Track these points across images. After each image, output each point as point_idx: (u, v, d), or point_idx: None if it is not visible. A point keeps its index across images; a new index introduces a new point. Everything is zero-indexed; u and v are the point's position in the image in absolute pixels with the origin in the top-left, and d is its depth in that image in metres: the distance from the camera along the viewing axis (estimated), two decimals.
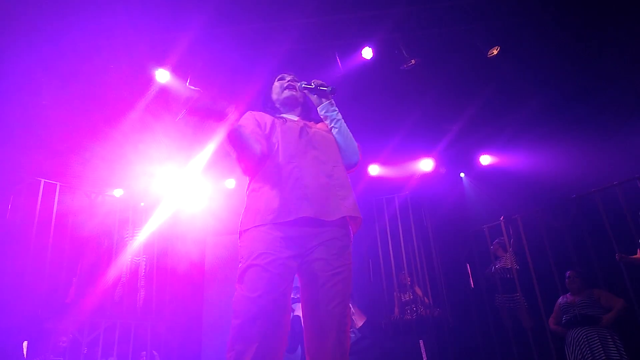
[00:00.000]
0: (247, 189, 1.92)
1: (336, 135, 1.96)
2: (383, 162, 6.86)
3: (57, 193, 5.29)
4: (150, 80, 5.11)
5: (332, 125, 1.97)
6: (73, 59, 4.74)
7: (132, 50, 4.78)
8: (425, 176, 6.80)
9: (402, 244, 6.37)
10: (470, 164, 6.90)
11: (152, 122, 5.46)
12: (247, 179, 1.96)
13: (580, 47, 4.95)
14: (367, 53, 5.09)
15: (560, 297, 4.77)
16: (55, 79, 4.91)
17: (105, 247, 5.91)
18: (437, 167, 6.78)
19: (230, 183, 6.86)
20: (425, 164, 6.78)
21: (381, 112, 5.78)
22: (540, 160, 5.99)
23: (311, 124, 2.02)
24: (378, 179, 6.84)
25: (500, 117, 6.02)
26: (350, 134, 1.98)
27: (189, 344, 6.58)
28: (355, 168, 2.03)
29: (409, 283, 6.28)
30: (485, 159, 6.75)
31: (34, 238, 5.02)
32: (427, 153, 6.75)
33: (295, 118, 2.06)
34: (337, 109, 1.99)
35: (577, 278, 4.63)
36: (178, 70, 5.11)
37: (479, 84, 5.58)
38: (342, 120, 1.98)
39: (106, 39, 4.61)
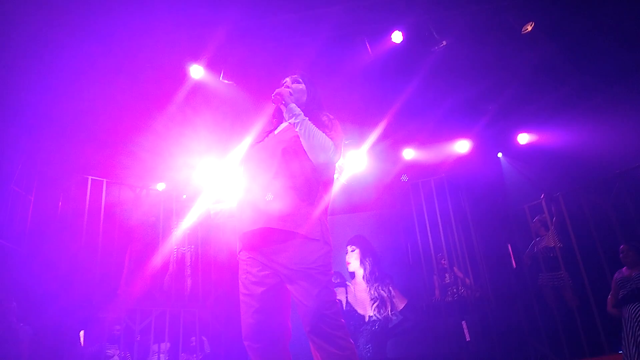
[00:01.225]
0: None
1: (300, 137, 1.99)
2: (418, 146, 6.82)
3: (104, 188, 5.54)
4: (188, 74, 5.26)
5: (295, 128, 2.01)
6: (117, 56, 4.92)
7: (172, 45, 4.92)
8: (462, 158, 6.73)
9: (440, 227, 6.35)
10: (507, 144, 6.78)
11: (192, 116, 5.62)
12: None
13: (620, 23, 4.77)
14: (397, 37, 5.07)
15: (616, 273, 4.65)
16: (102, 75, 5.12)
17: (152, 238, 6.15)
18: (473, 148, 6.70)
19: None
20: (462, 146, 6.70)
21: (414, 96, 5.74)
22: (580, 137, 5.82)
23: (284, 131, 2.12)
24: (413, 163, 6.82)
25: (538, 95, 5.89)
26: (315, 133, 1.98)
27: (232, 330, 6.79)
28: (331, 164, 2.05)
29: (446, 266, 6.27)
30: (523, 138, 6.62)
31: (84, 232, 5.29)
32: (462, 134, 6.67)
33: (280, 129, 2.18)
34: (296, 113, 2.02)
35: (630, 251, 4.49)
36: (213, 64, 5.24)
37: (515, 62, 5.47)
38: (304, 122, 1.99)
39: (148, 35, 4.77)
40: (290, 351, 2.02)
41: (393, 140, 6.55)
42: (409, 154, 6.81)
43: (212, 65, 5.28)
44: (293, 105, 2.05)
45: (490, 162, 6.87)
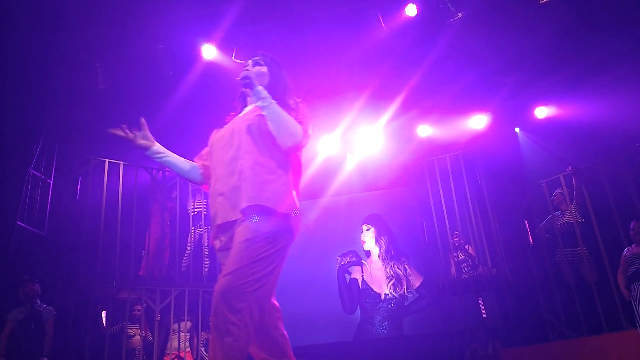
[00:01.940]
0: None
1: (267, 121, 1.93)
2: (433, 122, 6.73)
3: (121, 171, 5.59)
4: (197, 57, 5.23)
5: (262, 112, 1.95)
6: (131, 38, 4.91)
7: (184, 25, 4.88)
8: (478, 134, 6.63)
9: (456, 204, 6.31)
10: (525, 118, 6.65)
11: (206, 98, 5.61)
12: None
13: None
14: (411, 10, 4.96)
15: (626, 250, 4.60)
16: (118, 58, 5.12)
17: (170, 220, 6.23)
18: (490, 123, 6.59)
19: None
20: (478, 121, 6.59)
21: (429, 70, 5.64)
22: (600, 110, 5.68)
23: (250, 112, 2.06)
24: (428, 140, 6.74)
25: (556, 68, 5.73)
26: (283, 116, 1.92)
27: None
28: (299, 148, 1.98)
29: (457, 244, 6.25)
30: (542, 112, 6.48)
31: (103, 214, 5.37)
32: (479, 109, 6.56)
33: (245, 111, 2.14)
34: (263, 95, 1.95)
35: None
36: (225, 44, 5.19)
37: (533, 34, 5.32)
38: (270, 105, 1.92)
39: (159, 15, 4.74)
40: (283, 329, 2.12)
41: (408, 117, 6.47)
42: (424, 130, 6.73)
43: (225, 45, 5.23)
44: (260, 87, 1.97)
45: (507, 138, 6.76)
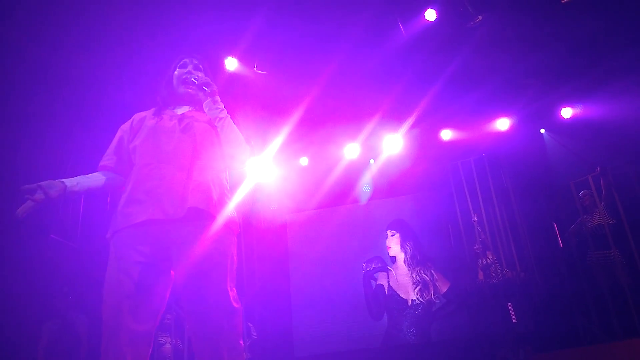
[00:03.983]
0: None
1: (221, 134, 1.91)
2: (456, 126, 6.69)
3: None
4: (220, 69, 5.33)
5: (216, 123, 1.92)
6: (150, 59, 5.04)
7: (207, 39, 4.98)
8: (503, 136, 6.56)
9: (482, 208, 6.23)
10: (550, 119, 6.55)
11: (229, 109, 5.69)
12: None
13: None
14: (431, 15, 4.97)
15: None
16: (136, 77, 5.26)
17: None
18: (514, 125, 6.51)
19: (304, 161, 7.03)
20: (502, 124, 6.53)
21: (451, 74, 5.62)
22: (627, 109, 5.56)
23: (196, 115, 1.97)
24: (451, 144, 6.70)
25: (582, 68, 5.64)
26: (237, 132, 1.91)
27: (280, 317, 6.93)
28: (243, 165, 1.97)
29: (479, 251, 6.17)
30: (567, 112, 6.38)
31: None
32: (502, 112, 6.49)
33: (182, 111, 2.02)
34: (220, 107, 1.93)
35: None
36: (246, 57, 5.28)
37: (556, 34, 5.25)
38: (226, 119, 1.91)
39: (181, 31, 4.85)
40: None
41: (431, 121, 6.45)
42: (448, 134, 6.70)
43: (246, 57, 5.32)
44: (219, 98, 1.95)
45: (532, 139, 6.67)
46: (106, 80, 5.22)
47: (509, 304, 5.74)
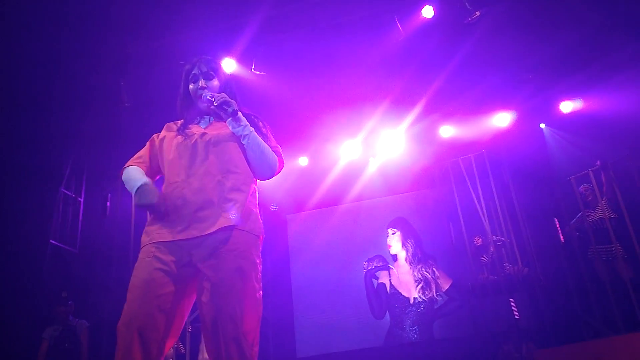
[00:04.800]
0: None
1: (247, 151, 1.89)
2: (455, 123, 6.66)
3: None
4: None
5: (242, 140, 1.89)
6: (147, 62, 5.02)
7: (204, 41, 4.96)
8: (502, 132, 6.54)
9: (483, 204, 6.22)
10: (550, 114, 6.52)
11: None
12: None
13: None
14: (428, 12, 4.94)
15: None
16: (134, 80, 5.24)
17: None
18: (514, 120, 6.49)
19: (303, 161, 7.01)
20: (501, 119, 6.50)
21: (449, 71, 5.60)
22: (627, 102, 5.53)
23: (220, 128, 1.94)
24: (451, 140, 6.67)
25: (581, 62, 5.62)
26: (263, 148, 1.90)
27: (282, 317, 6.93)
28: (273, 177, 1.96)
29: (480, 244, 6.17)
30: (567, 106, 6.35)
31: (132, 229, 5.48)
32: (501, 107, 6.47)
33: (204, 125, 1.99)
34: (244, 123, 1.89)
35: None
36: (243, 57, 5.25)
37: (554, 27, 5.23)
38: (251, 134, 1.88)
39: (179, 32, 4.82)
40: None
41: (430, 119, 6.43)
42: (447, 131, 6.67)
43: (244, 57, 5.29)
44: (240, 114, 1.90)
45: (532, 134, 6.65)
46: (103, 86, 5.19)
47: (511, 300, 5.73)
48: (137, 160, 1.98)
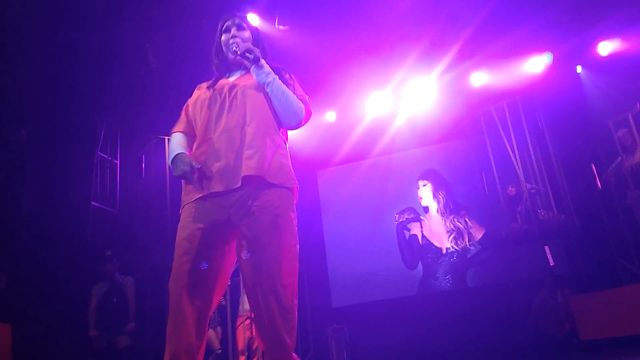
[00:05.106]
0: None
1: (271, 98, 1.89)
2: (487, 69, 6.44)
3: None
4: None
5: (266, 88, 1.89)
6: (171, 22, 5.00)
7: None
8: (536, 77, 6.30)
9: (517, 152, 6.09)
10: (587, 56, 6.23)
11: None
12: None
13: None
14: None
15: None
16: (160, 42, 5.24)
17: None
18: (548, 64, 6.23)
19: (331, 116, 6.95)
20: (535, 64, 6.25)
21: (480, 15, 5.37)
22: None
23: (248, 80, 1.95)
24: (483, 89, 6.47)
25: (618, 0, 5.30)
26: (287, 94, 1.89)
27: (316, 269, 7.10)
28: (301, 126, 1.96)
29: (513, 194, 6.07)
30: (605, 48, 6.05)
31: (169, 189, 5.64)
32: (535, 51, 6.20)
33: (234, 78, 2.00)
34: (267, 70, 1.88)
35: None
36: (267, 12, 5.17)
37: None
38: (275, 82, 1.88)
39: None
40: None
41: (461, 67, 6.23)
42: (479, 79, 6.45)
43: (268, 12, 5.20)
44: (263, 61, 1.90)
45: (568, 78, 6.40)
46: (130, 49, 5.22)
47: (546, 247, 5.70)
48: (180, 126, 2.04)
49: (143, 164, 5.87)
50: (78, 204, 5.17)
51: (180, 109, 2.06)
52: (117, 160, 5.80)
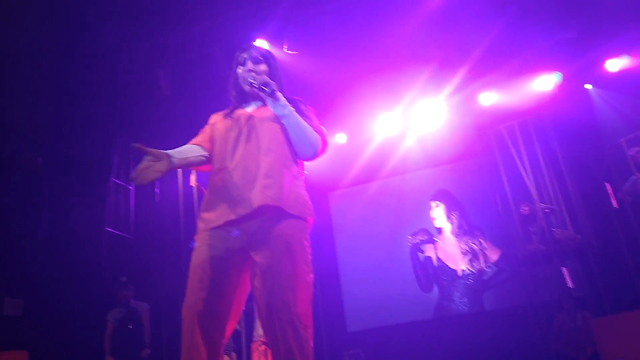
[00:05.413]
0: None
1: (288, 130, 1.92)
2: (496, 89, 6.44)
3: (193, 172, 5.87)
4: None
5: (282, 120, 1.92)
6: (183, 49, 5.11)
7: (234, 26, 4.99)
8: (546, 96, 6.29)
9: (530, 172, 6.05)
10: (595, 73, 6.22)
11: None
12: None
13: None
14: None
15: None
16: (172, 68, 5.36)
17: None
18: (557, 83, 6.22)
19: (341, 138, 6.99)
20: (544, 83, 6.25)
21: (489, 35, 5.40)
22: None
23: (265, 112, 1.97)
24: (492, 109, 6.46)
25: (627, 17, 5.31)
26: (303, 126, 1.92)
27: (330, 293, 7.03)
28: (318, 157, 1.97)
29: (527, 213, 6.01)
30: (613, 65, 6.03)
31: (182, 214, 5.67)
32: (543, 69, 6.21)
33: (251, 108, 2.04)
34: (283, 103, 1.91)
35: None
36: (275, 37, 5.26)
37: None
38: (291, 114, 1.91)
39: (211, 21, 4.87)
40: None
41: (470, 87, 6.25)
42: (488, 98, 6.45)
43: (276, 38, 5.29)
44: (280, 94, 1.93)
45: (578, 96, 6.37)
46: (143, 76, 5.33)
47: (564, 269, 5.60)
48: (195, 139, 2.04)
49: (157, 189, 5.93)
50: (93, 230, 5.23)
51: (192, 135, 2.07)
52: (131, 186, 5.87)
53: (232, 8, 4.99)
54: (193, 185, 5.93)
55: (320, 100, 5.89)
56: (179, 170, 5.81)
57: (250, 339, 5.83)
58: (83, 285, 4.90)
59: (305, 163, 2.05)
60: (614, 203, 5.74)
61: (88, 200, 5.31)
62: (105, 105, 5.41)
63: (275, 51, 5.29)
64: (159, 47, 5.28)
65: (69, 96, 5.16)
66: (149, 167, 1.74)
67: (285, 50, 5.32)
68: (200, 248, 1.84)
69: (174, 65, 5.42)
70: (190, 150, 1.96)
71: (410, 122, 6.75)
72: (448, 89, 6.15)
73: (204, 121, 2.13)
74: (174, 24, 4.99)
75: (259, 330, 5.76)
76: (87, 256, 5.05)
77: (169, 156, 1.79)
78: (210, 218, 1.86)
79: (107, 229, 5.31)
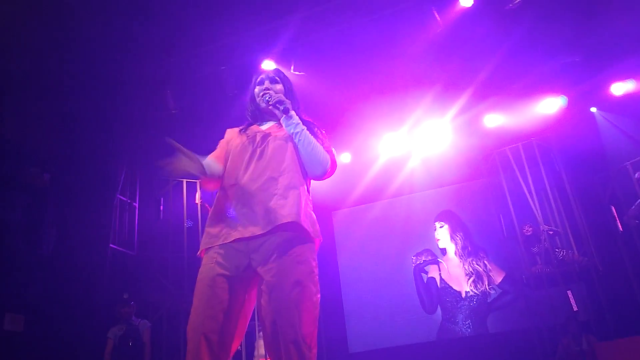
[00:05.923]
0: None
1: (299, 148, 1.95)
2: (501, 111, 6.48)
3: (198, 189, 5.90)
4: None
5: (294, 138, 1.95)
6: (190, 68, 5.17)
7: (242, 47, 5.06)
8: (551, 118, 6.31)
9: (534, 194, 6.04)
10: (601, 97, 6.24)
11: None
12: None
13: None
14: (467, 1, 4.85)
15: None
16: (179, 87, 5.42)
17: None
18: (563, 106, 6.24)
19: (346, 157, 7.01)
20: (549, 105, 6.28)
21: (493, 58, 5.46)
22: None
23: (278, 131, 2.01)
24: (497, 130, 6.49)
25: (632, 41, 5.35)
26: (314, 146, 1.94)
27: (332, 314, 6.98)
28: (326, 177, 2.00)
29: (530, 234, 5.98)
30: (618, 88, 6.06)
31: (186, 232, 5.68)
32: (549, 92, 6.24)
33: (266, 127, 2.08)
34: (296, 122, 1.96)
35: None
36: (283, 57, 5.32)
37: (602, 6, 5.01)
38: (302, 132, 1.95)
39: (219, 42, 4.94)
40: None
41: (475, 109, 6.29)
42: (493, 120, 6.47)
43: (283, 58, 5.36)
44: (293, 112, 1.98)
45: (583, 119, 6.39)
46: (150, 94, 5.39)
47: (569, 292, 5.55)
48: (213, 154, 2.05)
49: (161, 207, 5.95)
50: (97, 247, 5.23)
51: (199, 153, 2.08)
52: (135, 203, 5.89)
53: (240, 29, 5.07)
54: (198, 202, 5.95)
55: (326, 119, 5.92)
56: (184, 190, 5.84)
57: (250, 358, 5.78)
58: (85, 301, 4.89)
59: (312, 182, 2.07)
60: (620, 226, 5.71)
61: (93, 216, 5.33)
62: (112, 123, 5.47)
63: (283, 71, 5.35)
64: (167, 64, 5.34)
65: (75, 113, 5.22)
66: (181, 162, 1.79)
67: (292, 71, 5.38)
68: (208, 265, 1.82)
69: (182, 83, 5.48)
70: (209, 164, 1.96)
71: (415, 142, 6.77)
72: (453, 110, 6.19)
73: (211, 140, 2.16)
74: (182, 48, 5.06)
75: (259, 350, 5.72)
76: (89, 272, 5.05)
77: (199, 160, 1.82)
78: (218, 234, 1.86)
79: (111, 245, 5.32)
